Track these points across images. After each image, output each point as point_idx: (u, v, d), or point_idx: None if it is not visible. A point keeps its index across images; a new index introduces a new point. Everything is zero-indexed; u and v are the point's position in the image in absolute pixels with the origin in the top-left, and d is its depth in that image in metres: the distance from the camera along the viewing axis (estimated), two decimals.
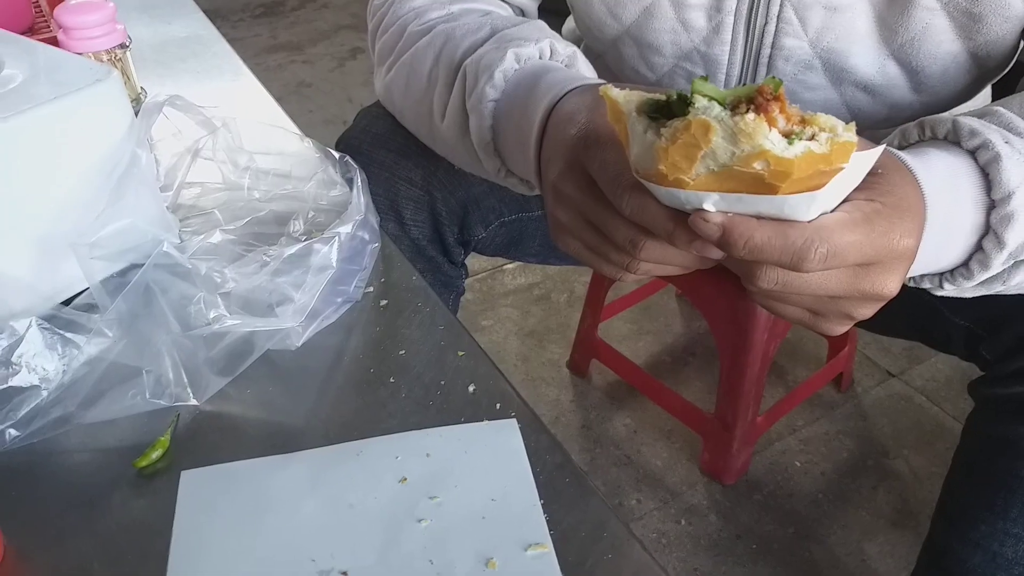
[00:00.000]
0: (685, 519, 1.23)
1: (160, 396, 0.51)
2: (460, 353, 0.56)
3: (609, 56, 0.81)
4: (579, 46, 0.87)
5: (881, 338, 1.49)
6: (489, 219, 0.85)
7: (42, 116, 0.54)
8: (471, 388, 0.53)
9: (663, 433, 1.36)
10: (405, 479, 0.47)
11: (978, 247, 0.49)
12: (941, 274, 0.52)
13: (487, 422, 0.50)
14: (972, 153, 0.49)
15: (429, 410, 0.51)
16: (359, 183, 0.64)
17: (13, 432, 0.50)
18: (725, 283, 1.09)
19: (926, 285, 0.53)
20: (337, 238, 0.59)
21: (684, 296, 1.58)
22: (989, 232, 0.49)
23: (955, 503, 0.81)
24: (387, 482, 0.47)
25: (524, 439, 0.49)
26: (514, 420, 0.50)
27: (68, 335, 0.52)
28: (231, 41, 1.04)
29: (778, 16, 0.68)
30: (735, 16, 0.69)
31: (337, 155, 0.68)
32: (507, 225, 0.87)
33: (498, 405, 0.52)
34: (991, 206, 0.48)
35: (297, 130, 0.79)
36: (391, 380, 0.54)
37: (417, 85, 0.68)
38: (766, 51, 0.70)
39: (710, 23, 0.71)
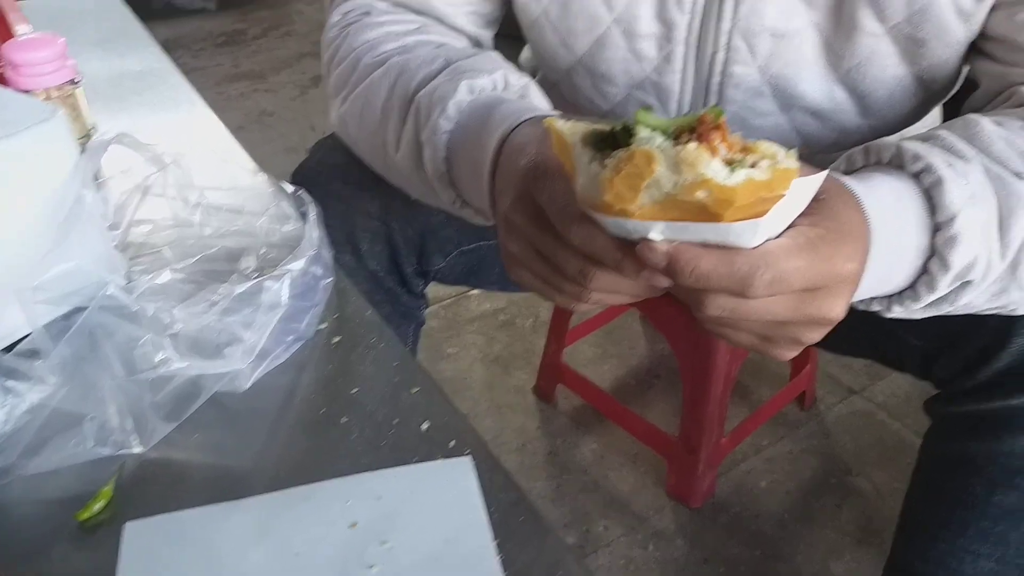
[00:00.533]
0: (652, 544, 1.23)
1: (104, 443, 0.50)
2: (414, 390, 0.55)
3: (564, 86, 0.82)
4: (535, 75, 0.88)
5: (843, 357, 1.51)
6: (448, 248, 0.84)
7: None
8: (424, 426, 0.52)
9: (629, 457, 1.35)
10: (355, 524, 0.46)
11: (924, 269, 0.50)
12: (890, 296, 0.53)
13: (440, 461, 0.50)
14: (916, 176, 0.50)
15: (381, 450, 0.51)
16: (312, 217, 0.63)
17: None
18: (685, 305, 1.10)
19: (875, 308, 0.54)
20: (288, 275, 0.58)
21: (647, 319, 1.58)
22: (935, 255, 0.49)
23: (914, 521, 0.81)
24: (337, 527, 0.46)
25: (480, 476, 0.49)
26: (468, 458, 0.50)
27: (9, 383, 0.51)
28: (192, 71, 1.04)
29: (727, 44, 0.69)
30: (685, 45, 0.70)
31: (291, 188, 0.68)
32: (466, 254, 0.87)
33: (452, 443, 0.51)
34: (935, 229, 0.49)
35: (251, 163, 0.79)
36: (343, 420, 0.53)
37: (371, 117, 0.68)
38: (716, 79, 0.71)
39: (660, 52, 0.72)
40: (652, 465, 1.33)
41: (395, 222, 0.79)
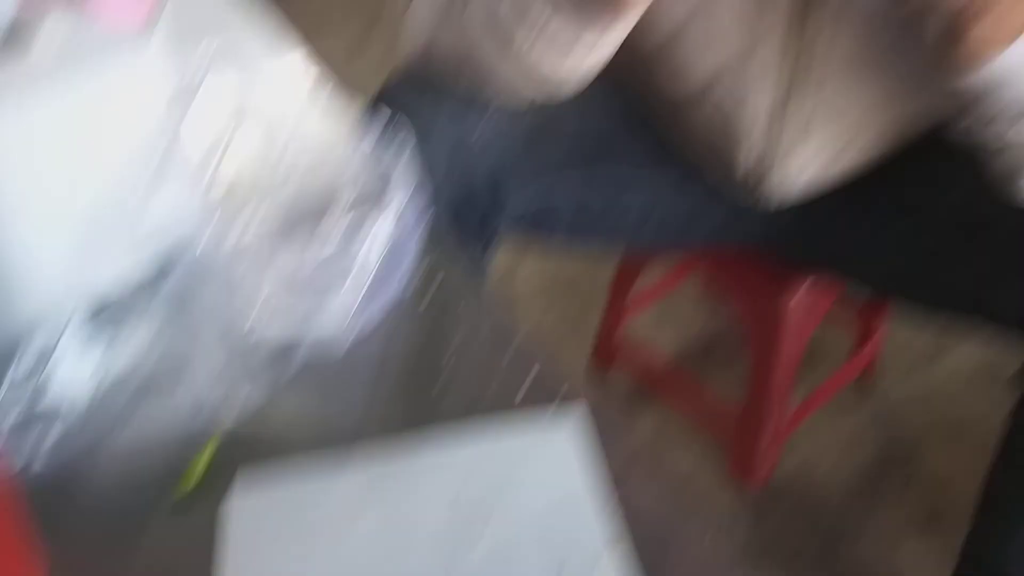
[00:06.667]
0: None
1: (197, 413, 0.49)
2: (513, 347, 0.53)
3: None
4: None
5: (905, 333, 1.45)
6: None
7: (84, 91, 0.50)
8: (527, 380, 0.51)
9: (690, 435, 1.33)
10: (458, 498, 0.44)
11: None
12: None
13: (545, 418, 0.48)
14: None
15: (481, 408, 0.49)
16: (401, 151, 0.59)
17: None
18: (758, 273, 1.06)
19: None
20: (376, 234, 0.55)
21: (711, 285, 1.54)
22: None
23: (999, 500, 0.78)
24: (439, 503, 0.44)
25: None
26: (574, 412, 0.48)
27: (99, 348, 0.50)
28: None
29: None
30: None
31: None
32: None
33: (561, 390, 0.50)
34: None
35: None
36: (440, 379, 0.51)
37: None
38: None
39: None
40: (711, 445, 1.31)
41: None
